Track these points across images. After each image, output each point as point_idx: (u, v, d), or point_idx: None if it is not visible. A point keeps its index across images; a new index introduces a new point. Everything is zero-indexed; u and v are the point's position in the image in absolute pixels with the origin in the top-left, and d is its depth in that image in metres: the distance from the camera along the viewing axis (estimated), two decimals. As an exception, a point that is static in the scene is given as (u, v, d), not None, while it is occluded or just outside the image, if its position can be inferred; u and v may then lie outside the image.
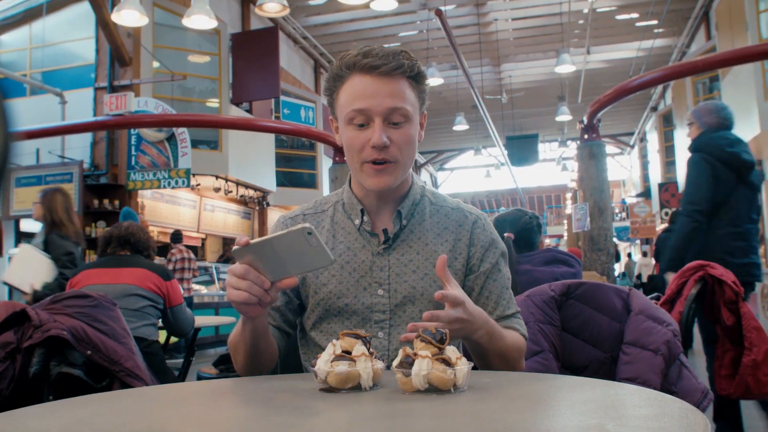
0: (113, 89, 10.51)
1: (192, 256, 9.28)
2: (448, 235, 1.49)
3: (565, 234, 24.81)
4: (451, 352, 1.03)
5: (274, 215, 14.28)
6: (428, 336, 1.04)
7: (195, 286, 10.36)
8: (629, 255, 22.10)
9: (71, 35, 11.52)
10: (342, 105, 1.40)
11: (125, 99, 9.57)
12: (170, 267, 8.74)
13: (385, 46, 1.44)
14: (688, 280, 2.38)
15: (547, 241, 29.58)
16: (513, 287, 2.67)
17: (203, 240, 14.31)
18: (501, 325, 1.44)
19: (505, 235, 2.87)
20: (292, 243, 1.12)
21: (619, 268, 18.47)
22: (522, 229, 2.93)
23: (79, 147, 10.68)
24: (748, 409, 4.33)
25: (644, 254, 19.76)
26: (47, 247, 4.22)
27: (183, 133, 10.05)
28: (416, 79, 1.41)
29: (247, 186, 12.65)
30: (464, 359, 1.02)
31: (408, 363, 1.01)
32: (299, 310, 1.53)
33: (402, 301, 1.42)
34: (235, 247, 1.17)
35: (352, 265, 1.45)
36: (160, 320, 3.56)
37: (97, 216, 10.11)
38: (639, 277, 15.57)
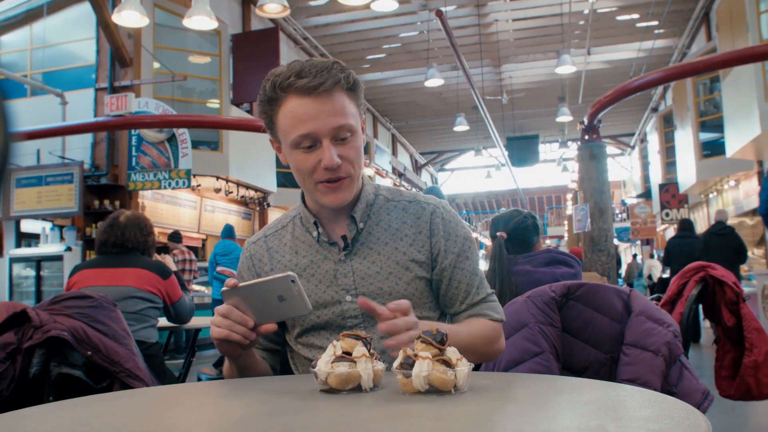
0: (114, 90, 10.51)
1: (193, 257, 9.28)
2: (407, 230, 1.47)
3: (566, 235, 24.82)
4: (452, 353, 1.02)
5: (274, 216, 14.29)
6: (429, 337, 1.04)
7: (195, 287, 10.36)
8: (634, 256, 22.10)
9: (72, 36, 11.53)
10: (284, 130, 1.38)
11: (126, 100, 9.56)
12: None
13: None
14: (689, 281, 2.37)
15: (548, 242, 29.59)
16: (509, 288, 2.68)
17: (204, 241, 14.30)
18: (470, 312, 1.47)
19: (498, 233, 2.87)
20: (276, 288, 1.20)
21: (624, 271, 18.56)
22: (516, 227, 2.92)
23: (79, 147, 10.68)
24: (748, 409, 4.33)
25: (651, 256, 19.79)
26: None
27: (183, 134, 10.05)
28: (353, 89, 1.39)
29: (247, 187, 12.65)
30: (464, 360, 1.02)
31: (408, 364, 1.01)
32: (281, 330, 1.55)
33: None
34: (223, 288, 1.24)
35: (317, 277, 1.45)
36: (159, 321, 3.54)
37: (97, 216, 10.10)
38: (650, 277, 15.66)
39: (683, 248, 8.45)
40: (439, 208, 1.51)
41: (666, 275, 10.31)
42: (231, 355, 1.32)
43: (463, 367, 1.00)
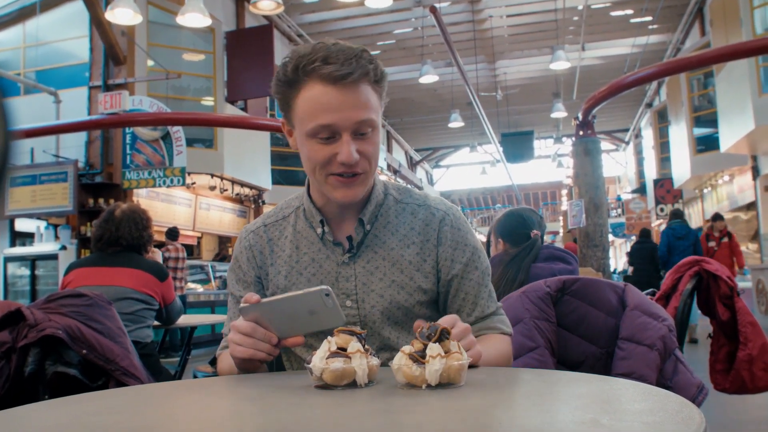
0: (108, 88, 10.49)
1: (184, 255, 9.26)
2: (415, 237, 1.41)
3: (561, 230, 24.85)
4: (432, 349, 1.03)
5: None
6: (422, 336, 1.05)
7: (191, 285, 10.36)
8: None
9: (65, 34, 11.50)
10: (302, 117, 1.29)
11: (120, 98, 9.54)
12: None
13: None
14: (683, 275, 2.38)
15: (544, 237, 29.58)
16: (521, 284, 2.67)
17: (199, 239, 14.29)
18: (480, 326, 1.41)
19: (534, 232, 2.85)
20: (307, 303, 1.12)
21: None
22: (543, 227, 2.95)
23: (73, 146, 10.66)
24: (743, 402, 4.34)
25: None
26: None
27: (178, 132, 10.04)
28: (378, 81, 1.31)
29: (242, 184, 12.64)
30: (439, 358, 1.02)
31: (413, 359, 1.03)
32: None
33: (371, 311, 1.37)
34: (243, 304, 1.17)
35: (318, 277, 1.39)
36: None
37: (92, 215, 10.07)
38: None
39: (643, 252, 9.92)
40: (449, 215, 1.44)
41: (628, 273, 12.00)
42: (249, 370, 1.26)
43: (434, 364, 1.00)
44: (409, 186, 1.54)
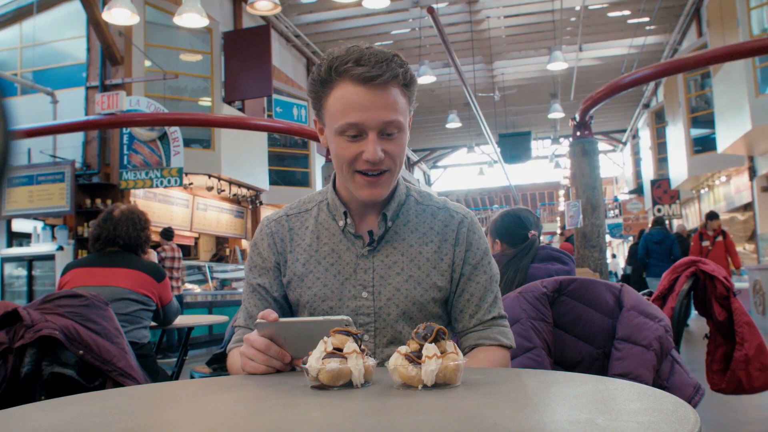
0: (105, 88, 10.47)
1: (180, 255, 9.23)
2: (434, 236, 1.46)
3: (558, 231, 24.87)
4: (428, 349, 1.03)
5: (267, 214, 14.33)
6: (418, 337, 1.06)
7: (188, 285, 10.34)
8: (613, 256, 22.21)
9: (62, 34, 11.48)
10: (332, 114, 1.35)
11: (117, 98, 9.53)
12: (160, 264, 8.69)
13: (377, 44, 1.40)
14: (680, 275, 2.38)
15: (541, 237, 29.58)
16: (519, 285, 2.67)
17: (196, 239, 14.28)
18: (480, 334, 1.43)
19: (531, 233, 2.85)
20: (326, 329, 1.13)
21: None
22: (539, 228, 2.95)
23: (70, 146, 10.64)
24: (739, 402, 4.35)
25: None
26: None
27: (175, 132, 10.02)
28: (408, 85, 1.37)
29: (239, 185, 12.62)
30: (435, 359, 1.02)
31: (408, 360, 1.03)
32: (290, 315, 1.53)
33: (386, 303, 1.40)
34: (260, 320, 1.19)
35: (336, 267, 1.43)
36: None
37: (89, 215, 10.05)
38: None
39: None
40: (467, 219, 1.50)
41: (628, 272, 12.44)
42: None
43: (431, 364, 1.01)
44: (429, 191, 1.59)
